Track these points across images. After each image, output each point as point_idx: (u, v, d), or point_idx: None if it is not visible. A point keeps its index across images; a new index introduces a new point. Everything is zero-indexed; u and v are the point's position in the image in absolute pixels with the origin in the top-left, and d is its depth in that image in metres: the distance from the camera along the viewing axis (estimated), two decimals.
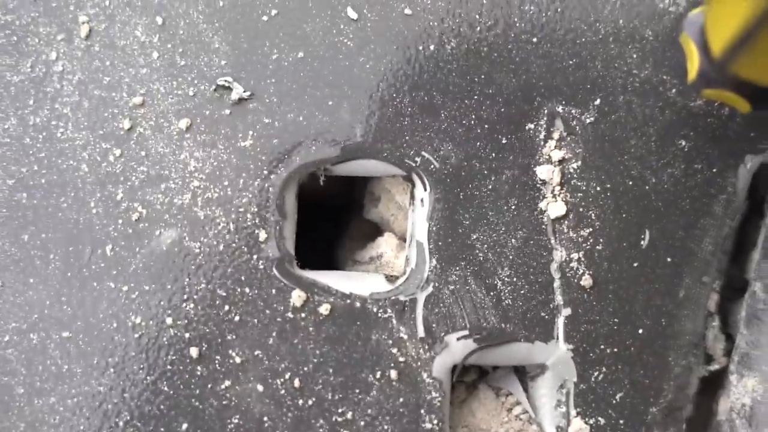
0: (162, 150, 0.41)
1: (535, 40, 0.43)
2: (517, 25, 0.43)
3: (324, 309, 0.41)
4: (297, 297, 0.40)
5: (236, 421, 0.40)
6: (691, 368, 0.44)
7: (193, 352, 0.40)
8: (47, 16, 0.42)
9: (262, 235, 0.41)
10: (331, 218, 0.59)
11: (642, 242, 0.43)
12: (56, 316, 0.43)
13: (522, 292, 0.42)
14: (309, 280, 0.41)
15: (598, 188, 0.43)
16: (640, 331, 0.43)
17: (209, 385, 0.41)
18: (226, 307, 0.40)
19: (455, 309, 0.42)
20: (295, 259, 0.43)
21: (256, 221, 0.41)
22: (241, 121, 0.41)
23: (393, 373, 0.41)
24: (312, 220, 0.53)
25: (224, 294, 0.40)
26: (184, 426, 0.40)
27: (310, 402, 0.41)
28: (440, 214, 0.42)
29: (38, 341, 0.41)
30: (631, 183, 0.43)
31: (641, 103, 0.43)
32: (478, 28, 0.43)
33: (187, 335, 0.40)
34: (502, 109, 0.42)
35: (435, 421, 0.41)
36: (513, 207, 0.42)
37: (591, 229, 0.43)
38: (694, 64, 0.40)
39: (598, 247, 0.43)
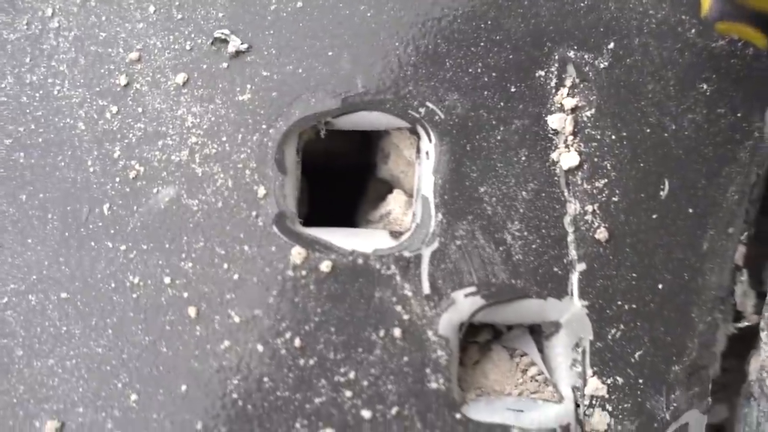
0: (159, 106, 0.41)
1: None
2: None
3: (325, 266, 0.39)
4: (297, 254, 0.39)
5: (236, 381, 0.39)
6: (717, 325, 0.42)
7: (192, 311, 0.39)
8: None
9: (261, 191, 0.40)
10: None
11: (661, 192, 0.41)
12: (54, 277, 0.43)
13: (533, 246, 0.41)
14: (310, 237, 0.40)
15: (614, 137, 0.41)
16: (661, 286, 0.41)
17: (208, 346, 0.40)
18: (225, 266, 0.40)
19: (462, 265, 0.40)
20: (297, 216, 0.42)
21: (255, 177, 0.40)
22: (238, 75, 0.40)
23: (397, 332, 0.39)
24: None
25: (223, 252, 0.40)
26: (183, 387, 0.39)
27: (311, 362, 0.40)
28: (446, 167, 0.41)
29: (37, 302, 0.41)
30: (649, 130, 0.41)
31: (658, 46, 0.41)
32: None
33: (185, 294, 0.40)
34: (511, 56, 0.41)
35: (441, 381, 0.40)
36: (523, 158, 0.41)
37: (606, 180, 0.41)
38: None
39: (614, 198, 0.41)
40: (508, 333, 0.46)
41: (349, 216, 0.54)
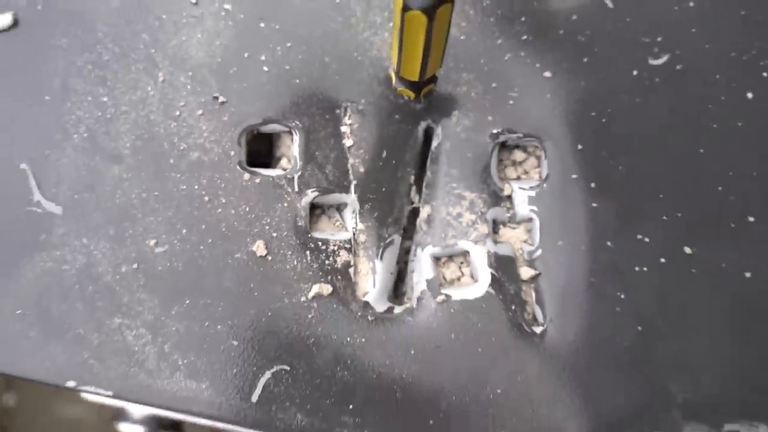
0: (192, 122, 0.68)
1: (338, 77, 0.70)
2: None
3: (258, 180, 0.67)
4: (246, 176, 0.67)
5: (224, 230, 0.68)
6: (404, 206, 0.70)
7: (206, 200, 0.67)
8: (145, 74, 0.69)
9: (233, 153, 0.68)
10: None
11: (380, 163, 0.69)
12: (151, 187, 0.67)
13: (315, 176, 0.69)
14: (253, 170, 0.68)
15: (366, 135, 0.69)
16: (383, 189, 0.69)
17: (218, 214, 0.68)
18: (219, 182, 0.68)
19: (311, 180, 0.68)
20: (246, 160, 0.69)
21: (230, 148, 0.68)
22: (222, 110, 0.68)
23: (285, 204, 0.68)
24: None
25: (218, 176, 0.67)
26: (210, 240, 0.67)
27: (252, 216, 0.67)
28: (303, 147, 0.68)
29: (145, 198, 0.66)
30: (377, 137, 0.69)
31: (382, 101, 0.70)
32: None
33: (206, 198, 0.67)
34: (326, 102, 0.70)
35: (302, 222, 0.67)
36: (331, 143, 0.69)
37: (363, 151, 0.68)
38: (392, 77, 0.65)
39: (366, 157, 0.68)
40: (329, 209, 0.72)
41: None
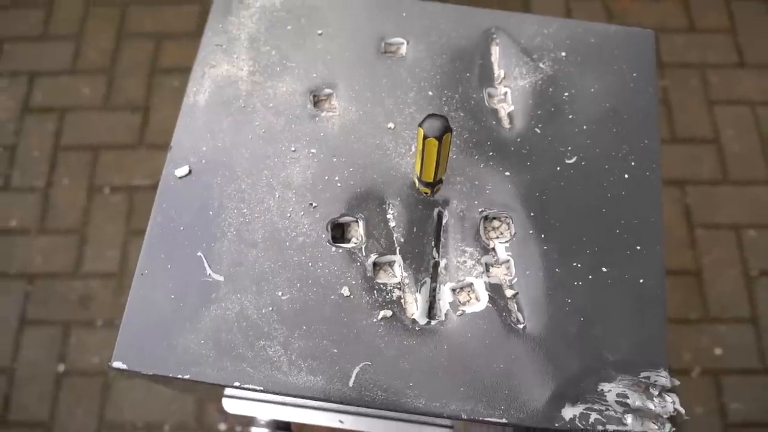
0: (298, 220, 0.81)
1: (383, 186, 0.82)
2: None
3: (340, 251, 0.80)
4: (333, 249, 0.79)
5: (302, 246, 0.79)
6: (430, 260, 0.80)
7: (301, 243, 0.80)
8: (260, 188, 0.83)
9: (323, 236, 0.80)
10: None
11: (413, 235, 0.83)
12: (279, 265, 0.81)
13: (389, 248, 0.79)
14: (336, 245, 0.81)
15: (405, 221, 0.85)
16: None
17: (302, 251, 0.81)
18: (316, 254, 0.80)
19: (372, 249, 0.82)
20: (332, 239, 0.78)
21: (321, 233, 0.81)
22: (315, 211, 0.81)
23: (358, 264, 0.81)
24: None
25: (316, 251, 0.80)
26: (320, 289, 0.79)
27: (333, 278, 0.80)
28: (365, 230, 0.84)
29: (257, 256, 0.81)
30: (411, 220, 0.83)
31: (413, 199, 0.83)
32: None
33: (308, 261, 0.78)
34: (376, 201, 0.84)
35: (370, 275, 0.81)
36: (382, 225, 0.83)
37: (403, 230, 0.83)
38: (416, 182, 0.79)
39: (404, 234, 0.82)
40: (384, 266, 0.83)
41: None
